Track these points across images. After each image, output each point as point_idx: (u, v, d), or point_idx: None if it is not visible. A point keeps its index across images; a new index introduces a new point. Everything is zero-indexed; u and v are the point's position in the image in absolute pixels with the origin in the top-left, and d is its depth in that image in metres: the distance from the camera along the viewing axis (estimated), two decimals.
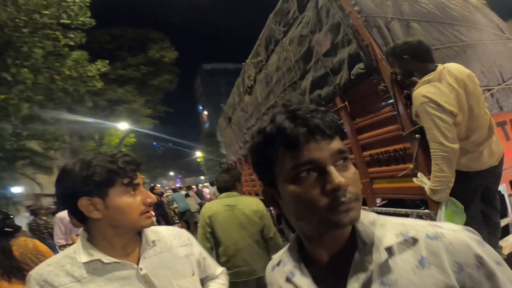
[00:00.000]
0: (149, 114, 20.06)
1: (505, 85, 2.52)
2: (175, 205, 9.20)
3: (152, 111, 20.46)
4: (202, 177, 43.63)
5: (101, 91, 16.37)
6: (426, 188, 1.81)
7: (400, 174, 2.06)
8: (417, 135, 1.93)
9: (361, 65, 2.30)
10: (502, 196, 2.07)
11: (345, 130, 0.53)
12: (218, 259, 2.01)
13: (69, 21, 7.14)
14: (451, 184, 1.72)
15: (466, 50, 2.41)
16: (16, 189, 13.13)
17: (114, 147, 17.55)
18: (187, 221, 8.82)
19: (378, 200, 2.67)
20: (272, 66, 4.07)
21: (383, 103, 2.29)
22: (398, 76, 2.01)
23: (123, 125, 16.35)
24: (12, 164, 9.45)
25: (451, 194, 1.78)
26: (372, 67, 2.20)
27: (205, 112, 64.90)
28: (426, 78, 1.76)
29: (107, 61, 9.26)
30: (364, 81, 2.35)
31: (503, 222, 2.04)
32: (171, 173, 54.70)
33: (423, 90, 1.74)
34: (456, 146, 1.67)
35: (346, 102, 2.60)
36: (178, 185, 32.03)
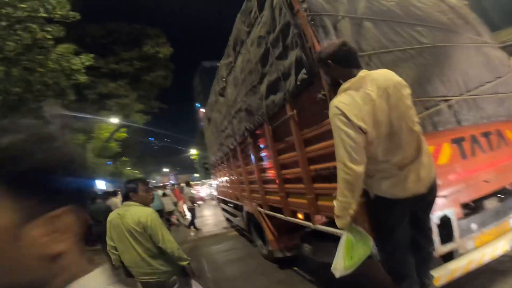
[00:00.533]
0: (141, 110, 19.82)
1: (468, 95, 2.28)
2: None
3: (144, 107, 20.21)
4: (196, 175, 43.30)
5: (92, 85, 16.17)
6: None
7: (334, 194, 1.84)
8: None
9: (305, 70, 2.08)
10: (448, 221, 1.84)
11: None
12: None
13: (46, 15, 6.91)
14: (352, 211, 1.49)
15: (423, 53, 2.15)
16: None
17: (104, 141, 17.37)
18: None
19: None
20: (238, 67, 3.83)
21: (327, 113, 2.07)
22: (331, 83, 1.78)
23: (114, 120, 16.19)
24: None
25: (374, 221, 1.57)
26: (313, 72, 1.97)
27: (202, 110, 64.62)
28: (345, 85, 1.53)
29: (92, 55, 9.02)
30: (308, 88, 2.13)
31: (446, 248, 1.82)
32: (166, 170, 54.49)
33: (337, 100, 1.50)
34: (360, 168, 1.43)
35: (295, 111, 2.38)
36: (172, 182, 32.08)
